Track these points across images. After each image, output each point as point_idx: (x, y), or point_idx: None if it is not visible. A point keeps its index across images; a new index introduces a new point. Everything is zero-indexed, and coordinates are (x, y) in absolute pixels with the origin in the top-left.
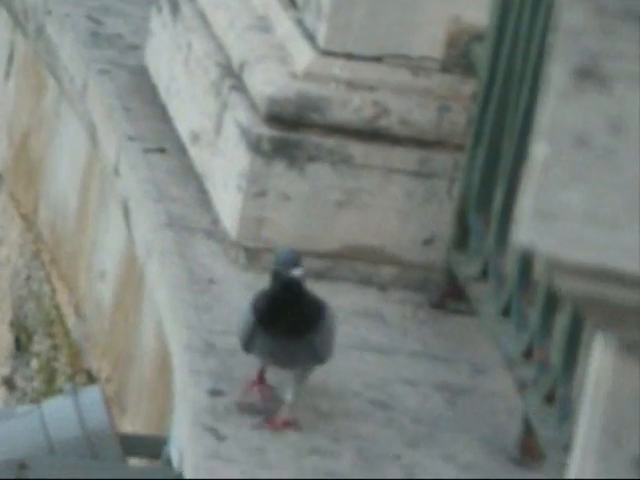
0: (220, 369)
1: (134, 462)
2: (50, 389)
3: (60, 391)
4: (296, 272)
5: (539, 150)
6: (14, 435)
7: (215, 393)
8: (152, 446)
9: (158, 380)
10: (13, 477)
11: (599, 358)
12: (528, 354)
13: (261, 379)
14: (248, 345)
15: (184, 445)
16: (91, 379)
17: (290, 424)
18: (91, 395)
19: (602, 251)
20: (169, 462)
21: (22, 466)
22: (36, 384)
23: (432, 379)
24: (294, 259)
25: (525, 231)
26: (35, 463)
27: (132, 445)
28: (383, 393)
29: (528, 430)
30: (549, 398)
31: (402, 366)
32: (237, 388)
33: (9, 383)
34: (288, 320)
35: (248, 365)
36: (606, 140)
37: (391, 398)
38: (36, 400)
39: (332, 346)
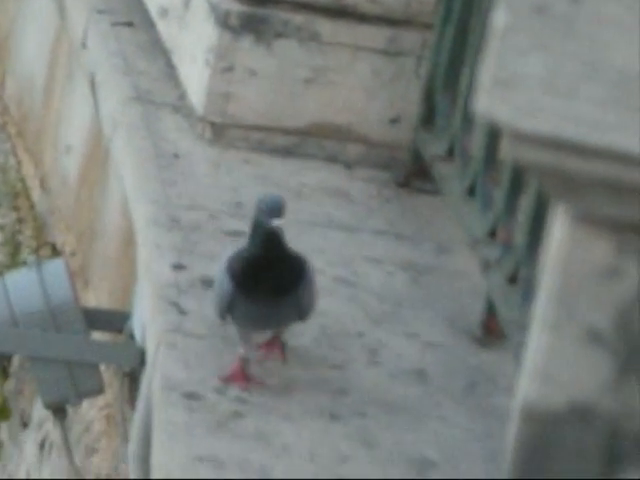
0: (184, 244)
1: (97, 336)
2: (14, 262)
3: (24, 264)
4: (277, 222)
5: (499, 18)
6: None
7: (178, 267)
8: (115, 320)
9: (122, 255)
10: None
11: (556, 230)
12: (492, 234)
13: (241, 368)
14: (226, 314)
15: (147, 319)
16: (55, 253)
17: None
18: (55, 268)
19: (559, 120)
20: (132, 336)
21: None
22: (0, 257)
23: (396, 257)
24: (277, 209)
25: (484, 100)
26: None
27: (95, 319)
28: (347, 271)
29: (491, 310)
30: (512, 278)
31: (367, 244)
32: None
33: None
34: (270, 282)
35: (213, 240)
36: (565, 8)
37: (355, 276)
38: (0, 273)
39: (314, 301)
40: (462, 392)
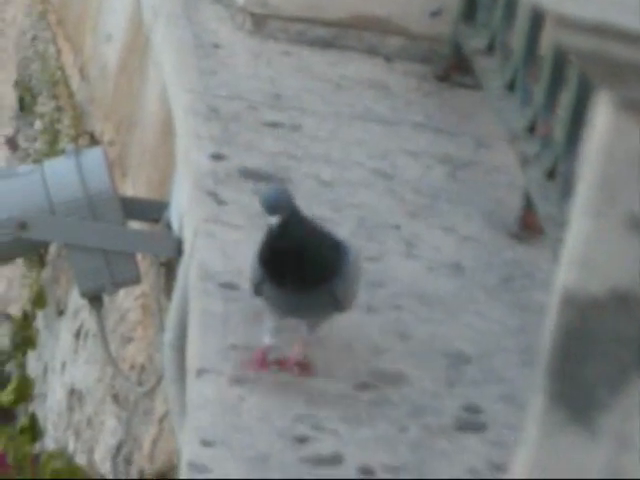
0: (223, 134)
1: (134, 225)
2: (53, 150)
3: (62, 152)
4: (271, 220)
5: None
6: (15, 194)
7: (217, 158)
8: (153, 210)
9: (160, 145)
10: (12, 236)
11: (598, 118)
12: (531, 129)
13: (263, 359)
14: (257, 292)
15: (184, 209)
16: (94, 142)
17: (305, 366)
18: (93, 157)
19: (604, 5)
20: (169, 226)
21: (22, 225)
22: (39, 145)
23: (435, 151)
24: (273, 203)
25: None
26: (35, 223)
27: (133, 208)
28: (385, 163)
29: (528, 205)
30: (551, 174)
31: (405, 137)
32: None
33: (12, 143)
34: (292, 272)
35: (252, 131)
36: None
37: (393, 168)
38: (38, 161)
39: (355, 292)
40: (498, 287)
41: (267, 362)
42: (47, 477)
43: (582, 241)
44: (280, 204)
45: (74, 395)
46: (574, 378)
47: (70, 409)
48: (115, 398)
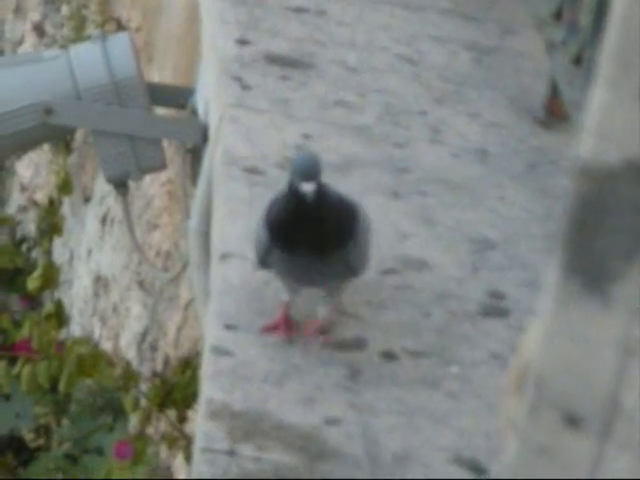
0: (249, 19)
1: (160, 111)
2: (79, 36)
3: (89, 38)
4: (306, 187)
5: None
6: (40, 79)
7: (243, 43)
8: (179, 96)
9: (187, 32)
10: (38, 121)
11: None
12: (558, 15)
13: (285, 317)
14: (264, 263)
15: (210, 94)
16: (120, 28)
17: (327, 338)
18: (119, 42)
19: None
20: (195, 112)
21: (48, 111)
22: (65, 31)
23: (461, 37)
24: (309, 170)
25: None
26: (61, 108)
27: (159, 94)
28: (411, 49)
29: (554, 91)
30: (577, 60)
31: (431, 23)
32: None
33: (39, 29)
34: (310, 238)
35: (277, 17)
36: None
37: (419, 54)
38: (65, 47)
39: (368, 255)
40: (523, 173)
41: (289, 323)
42: (72, 363)
43: (599, 112)
44: (315, 171)
45: (100, 282)
46: (589, 249)
47: (96, 296)
48: (140, 285)
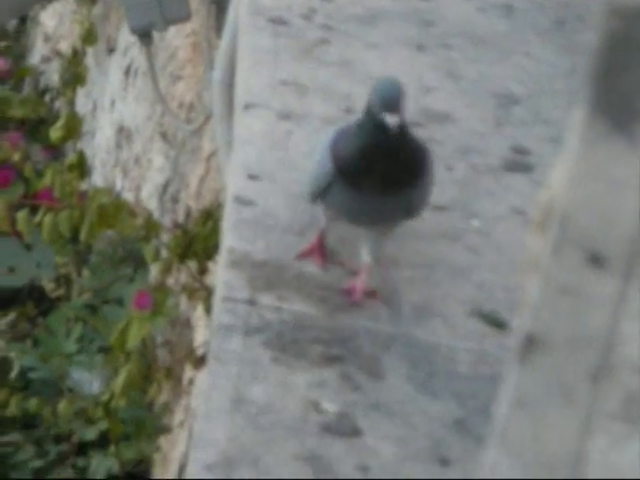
0: None
1: None
2: None
3: None
4: (390, 120)
5: None
6: None
7: None
8: None
9: None
10: None
11: None
12: None
13: (320, 244)
14: (320, 198)
15: None
16: None
17: (372, 294)
18: None
19: None
20: None
21: None
22: None
23: None
24: (395, 100)
25: None
26: None
27: None
28: None
29: None
30: None
31: None
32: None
33: None
34: (379, 176)
35: None
36: None
37: None
38: None
39: (428, 198)
40: (549, 28)
41: (324, 251)
42: (94, 212)
43: None
44: (400, 102)
45: (123, 133)
46: (616, 89)
47: (118, 147)
48: (163, 136)
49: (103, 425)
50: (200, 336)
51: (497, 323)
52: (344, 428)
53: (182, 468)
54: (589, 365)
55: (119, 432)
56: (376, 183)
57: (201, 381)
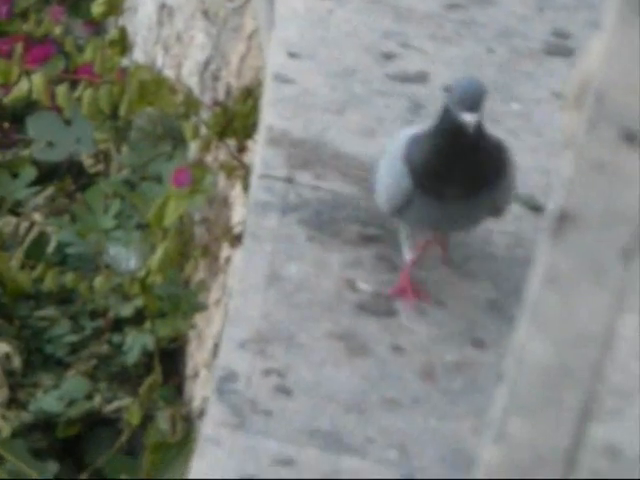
0: None
1: None
2: None
3: None
4: (468, 118)
5: None
6: None
7: None
8: None
9: None
10: None
11: None
12: None
13: (411, 282)
14: (400, 213)
15: None
16: None
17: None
18: None
19: None
20: None
21: None
22: None
23: None
24: (474, 99)
25: None
26: None
27: None
28: None
29: None
30: None
31: None
32: None
33: None
34: (459, 178)
35: None
36: None
37: None
38: None
39: (510, 198)
40: None
41: (415, 287)
42: (134, 88)
43: None
44: (480, 101)
45: (164, 9)
46: None
47: (160, 24)
48: (205, 14)
49: (139, 301)
50: (237, 215)
51: (534, 206)
52: (379, 307)
53: (217, 346)
54: (621, 242)
55: (155, 309)
56: (458, 187)
57: (237, 259)
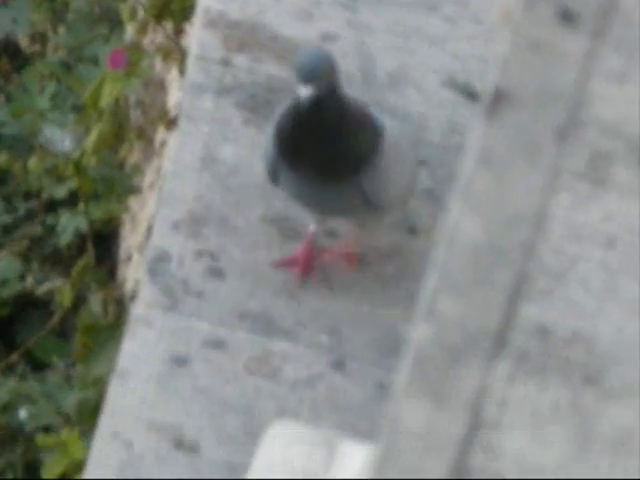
0: None
1: None
2: None
3: None
4: (302, 91)
5: None
6: None
7: None
8: None
9: None
10: None
11: None
12: None
13: (308, 251)
14: (275, 180)
15: None
16: None
17: (348, 256)
18: None
19: None
20: None
21: None
22: None
23: None
24: (310, 70)
25: None
26: None
27: None
28: None
29: None
30: None
31: None
32: None
33: None
34: (313, 156)
35: None
36: None
37: None
38: None
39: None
40: None
41: (310, 262)
42: None
43: None
44: (318, 73)
45: None
46: None
47: None
48: None
49: (73, 183)
50: (173, 98)
51: (470, 93)
52: None
53: (150, 229)
54: (556, 122)
55: (89, 190)
56: (311, 165)
57: (172, 142)
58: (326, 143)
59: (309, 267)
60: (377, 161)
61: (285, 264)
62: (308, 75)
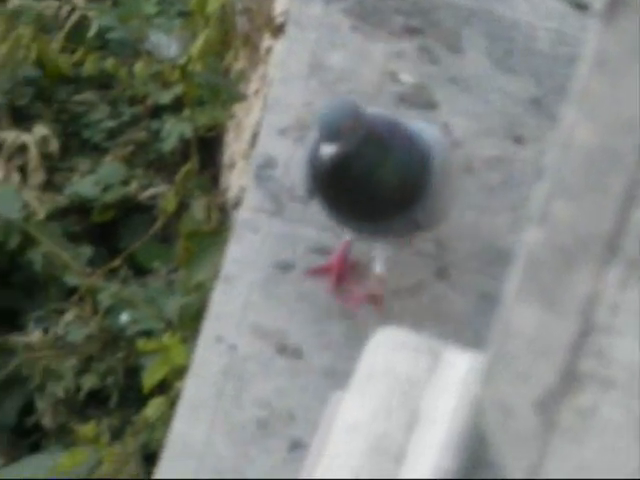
0: None
1: None
2: None
3: None
4: (326, 150)
5: None
6: None
7: None
8: None
9: None
10: None
11: None
12: None
13: (341, 260)
14: (311, 196)
15: None
16: None
17: (374, 299)
18: None
19: None
20: None
21: None
22: None
23: None
24: (332, 128)
25: None
26: None
27: None
28: None
29: None
30: None
31: None
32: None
33: None
34: (359, 209)
35: None
36: None
37: None
38: None
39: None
40: None
41: (342, 272)
42: None
43: None
44: (340, 131)
45: None
46: None
47: None
48: None
49: (179, 89)
50: (280, 5)
51: (579, 4)
52: (420, 100)
53: (255, 136)
54: None
55: (194, 96)
56: (354, 213)
57: (279, 49)
58: (364, 194)
59: (343, 276)
60: (428, 187)
61: (319, 272)
62: (330, 135)
